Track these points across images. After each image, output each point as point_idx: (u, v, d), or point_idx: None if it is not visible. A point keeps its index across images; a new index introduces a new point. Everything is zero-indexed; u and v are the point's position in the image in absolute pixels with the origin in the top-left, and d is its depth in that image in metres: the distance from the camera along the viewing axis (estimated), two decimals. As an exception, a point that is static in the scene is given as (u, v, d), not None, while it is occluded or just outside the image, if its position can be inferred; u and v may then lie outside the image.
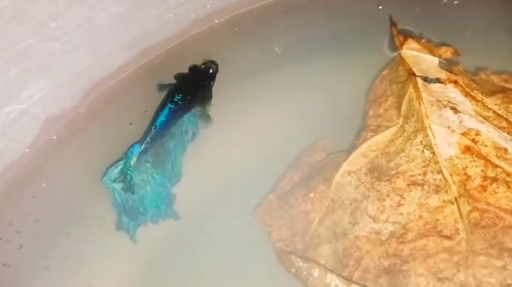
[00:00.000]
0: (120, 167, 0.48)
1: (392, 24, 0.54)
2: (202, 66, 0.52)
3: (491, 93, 0.48)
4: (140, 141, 0.48)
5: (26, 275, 0.46)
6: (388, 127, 0.48)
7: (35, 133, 0.48)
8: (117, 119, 0.51)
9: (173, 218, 0.48)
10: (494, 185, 0.44)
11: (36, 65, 0.45)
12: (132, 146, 0.48)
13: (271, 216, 0.47)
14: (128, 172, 0.48)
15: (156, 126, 0.49)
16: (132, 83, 0.53)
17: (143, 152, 0.48)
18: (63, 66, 0.47)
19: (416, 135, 0.47)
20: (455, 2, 0.57)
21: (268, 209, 0.48)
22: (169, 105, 0.50)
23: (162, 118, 0.49)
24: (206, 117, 0.51)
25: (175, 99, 0.50)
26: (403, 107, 0.48)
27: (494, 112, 0.47)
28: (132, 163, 0.48)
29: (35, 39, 0.44)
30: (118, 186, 0.48)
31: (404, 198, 0.45)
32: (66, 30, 0.46)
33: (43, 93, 0.47)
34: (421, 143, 0.46)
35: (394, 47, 0.52)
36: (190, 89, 0.51)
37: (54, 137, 0.49)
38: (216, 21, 0.56)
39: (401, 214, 0.44)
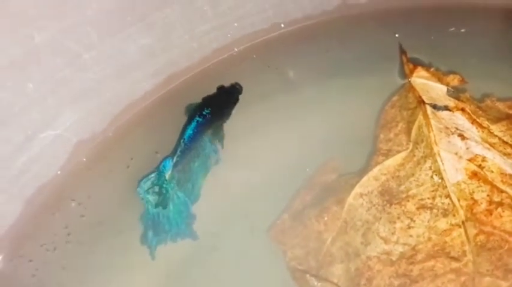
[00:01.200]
0: (152, 179, 0.49)
1: (402, 52, 0.55)
2: (229, 86, 0.55)
3: (496, 120, 0.50)
4: (171, 156, 0.50)
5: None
6: (398, 152, 0.50)
7: (66, 156, 0.50)
8: (143, 142, 0.53)
9: (192, 238, 0.49)
10: (499, 209, 0.46)
11: (69, 94, 0.48)
12: (163, 160, 0.50)
13: (284, 235, 0.49)
14: (164, 185, 0.49)
15: (184, 139, 0.50)
16: (157, 108, 0.55)
17: (174, 165, 0.49)
18: (93, 94, 0.50)
19: (425, 161, 0.48)
20: (462, 31, 0.59)
21: (282, 228, 0.49)
22: (197, 118, 0.51)
23: (189, 131, 0.51)
24: (220, 134, 0.53)
25: (204, 113, 0.51)
26: (413, 133, 0.50)
27: (499, 139, 0.49)
28: (166, 176, 0.49)
29: (69, 70, 0.46)
30: (152, 198, 0.49)
31: (414, 221, 0.46)
32: (98, 61, 0.48)
33: (75, 119, 0.49)
34: (430, 168, 0.48)
35: (404, 75, 0.54)
36: (217, 105, 0.53)
37: (84, 159, 0.51)
38: (236, 49, 0.58)
39: (411, 236, 0.46)
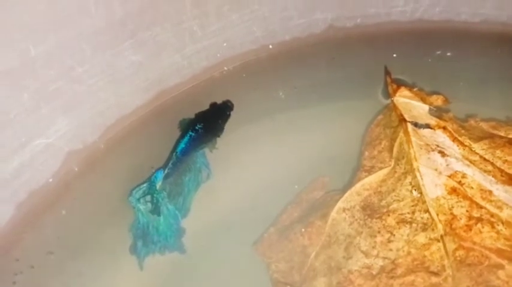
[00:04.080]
0: (143, 189, 0.51)
1: (387, 73, 0.57)
2: (221, 103, 0.56)
3: (479, 138, 0.51)
4: (163, 167, 0.51)
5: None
6: (381, 168, 0.51)
7: (58, 165, 0.52)
8: (133, 154, 0.55)
9: (179, 252, 0.50)
10: (479, 225, 0.46)
11: (63, 104, 0.50)
12: (155, 171, 0.51)
13: (271, 249, 0.49)
14: (154, 195, 0.51)
15: (177, 152, 0.52)
16: (147, 122, 0.57)
17: (166, 177, 0.51)
18: (86, 106, 0.52)
19: (406, 177, 0.49)
20: (448, 54, 0.60)
21: (268, 242, 0.50)
22: (190, 132, 0.53)
23: (182, 145, 0.52)
24: (211, 150, 0.55)
25: (196, 128, 0.53)
26: (395, 150, 0.51)
27: (480, 157, 0.49)
28: (157, 186, 0.51)
29: (63, 82, 0.49)
30: (143, 207, 0.50)
31: (394, 235, 0.47)
32: (91, 75, 0.51)
33: (67, 129, 0.51)
34: (410, 183, 0.49)
35: (388, 95, 0.55)
36: (210, 120, 0.55)
37: (76, 169, 0.53)
38: (226, 68, 0.60)
39: (391, 249, 0.46)
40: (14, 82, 0.46)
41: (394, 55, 0.60)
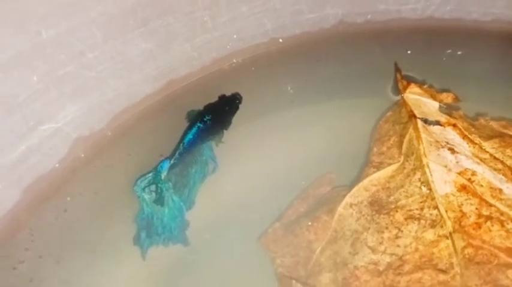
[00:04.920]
0: (149, 178, 0.50)
1: (397, 69, 0.57)
2: (230, 96, 0.56)
3: (489, 137, 0.51)
4: (169, 157, 0.51)
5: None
6: (389, 164, 0.50)
7: (65, 150, 0.52)
8: (140, 142, 0.55)
9: (183, 244, 0.50)
10: (488, 223, 0.45)
11: (72, 90, 0.50)
12: (161, 161, 0.51)
13: (276, 243, 0.49)
14: (159, 184, 0.50)
15: (184, 143, 0.52)
16: (156, 111, 0.57)
17: (172, 167, 0.51)
18: (95, 93, 0.52)
19: (415, 173, 0.49)
20: (459, 53, 0.60)
21: (273, 237, 0.49)
22: (199, 124, 0.52)
23: (190, 136, 0.52)
24: (218, 142, 0.55)
25: (205, 119, 0.53)
26: (404, 146, 0.51)
27: (490, 155, 0.49)
28: (162, 177, 0.50)
29: (73, 67, 0.49)
30: (148, 197, 0.50)
31: (402, 231, 0.46)
32: (101, 61, 0.51)
33: (76, 115, 0.51)
34: (419, 180, 0.48)
35: (398, 91, 0.55)
36: (218, 112, 0.54)
37: (82, 155, 0.53)
38: (235, 60, 0.60)
39: (398, 246, 0.46)
40: (24, 64, 0.46)
41: (405, 52, 0.60)
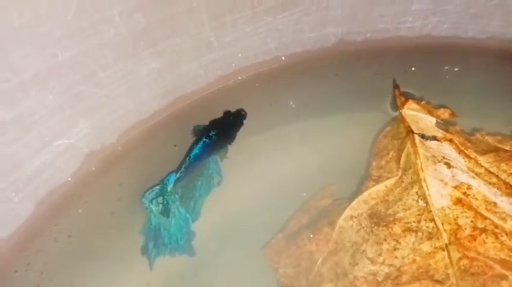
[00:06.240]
0: (156, 190, 0.52)
1: (395, 86, 0.58)
2: (235, 111, 0.58)
3: (484, 152, 0.52)
4: (175, 171, 0.53)
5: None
6: (388, 178, 0.52)
7: (77, 164, 0.54)
8: (149, 156, 0.57)
9: (189, 255, 0.51)
10: (483, 235, 0.47)
11: (85, 108, 0.52)
12: (168, 174, 0.53)
13: (278, 254, 0.50)
14: (166, 197, 0.52)
15: (190, 157, 0.53)
16: (164, 127, 0.59)
17: (178, 180, 0.53)
18: (107, 110, 0.54)
19: (412, 187, 0.50)
20: (456, 69, 0.61)
21: (276, 247, 0.50)
22: (204, 139, 0.54)
23: (196, 150, 0.54)
24: (223, 156, 0.56)
25: (210, 134, 0.55)
26: (402, 161, 0.52)
27: (486, 169, 0.50)
28: (169, 189, 0.52)
29: (86, 86, 0.51)
30: (155, 208, 0.52)
31: (400, 243, 0.48)
32: (112, 80, 0.53)
33: (88, 131, 0.53)
34: (417, 193, 0.50)
35: (396, 107, 0.56)
36: (223, 127, 0.56)
37: (93, 169, 0.55)
38: (240, 77, 0.62)
39: (396, 257, 0.47)
40: (41, 84, 0.48)
41: (403, 69, 0.61)
